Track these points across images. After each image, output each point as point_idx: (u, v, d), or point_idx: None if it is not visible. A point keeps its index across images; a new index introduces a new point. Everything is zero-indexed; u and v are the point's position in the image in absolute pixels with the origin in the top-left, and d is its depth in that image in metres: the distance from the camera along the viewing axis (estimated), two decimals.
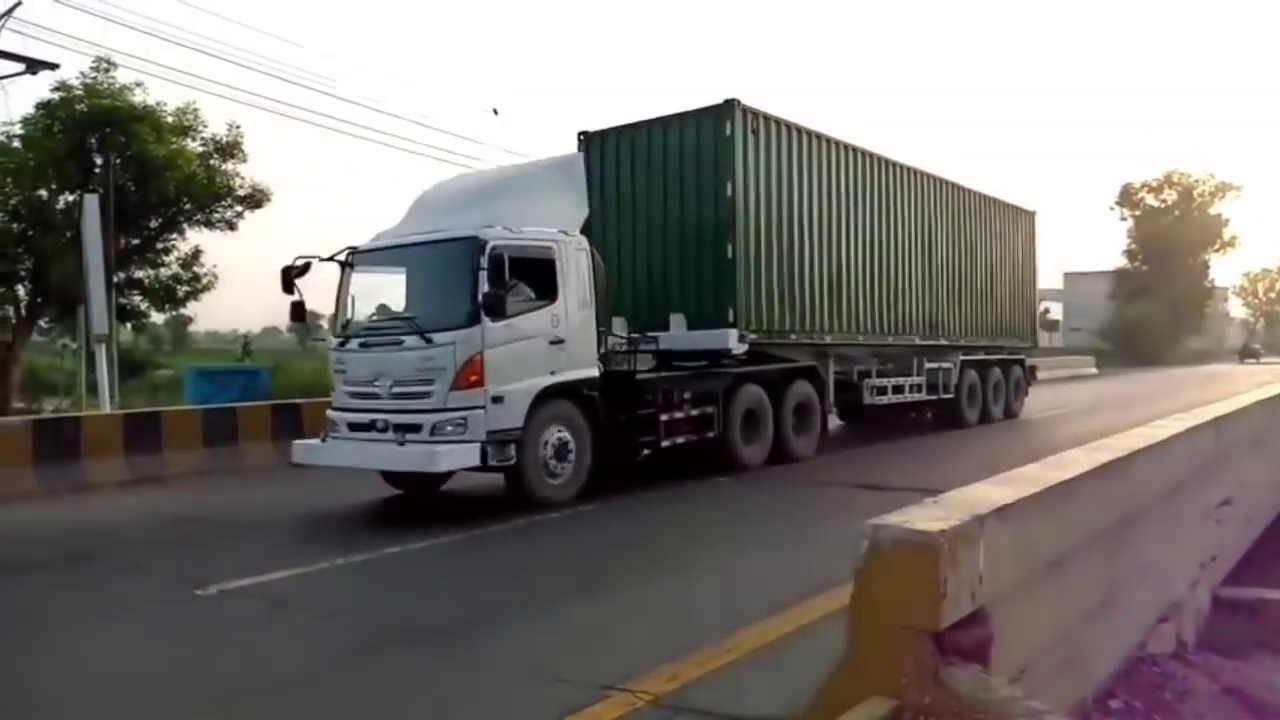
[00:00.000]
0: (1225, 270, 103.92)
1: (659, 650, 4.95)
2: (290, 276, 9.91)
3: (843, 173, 14.01)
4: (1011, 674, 3.03)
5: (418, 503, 10.20)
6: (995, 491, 3.30)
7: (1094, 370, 45.02)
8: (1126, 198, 70.29)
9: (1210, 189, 69.14)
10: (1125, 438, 5.00)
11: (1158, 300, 62.55)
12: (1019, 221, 20.15)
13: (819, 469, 12.37)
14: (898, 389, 15.60)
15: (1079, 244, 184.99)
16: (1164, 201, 70.00)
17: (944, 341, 16.90)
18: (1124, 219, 70.84)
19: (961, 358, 17.27)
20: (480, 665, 5.03)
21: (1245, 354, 65.12)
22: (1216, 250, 69.78)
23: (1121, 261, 70.92)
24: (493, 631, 5.57)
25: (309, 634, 5.71)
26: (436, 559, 7.73)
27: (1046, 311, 65.65)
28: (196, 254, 23.92)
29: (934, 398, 16.57)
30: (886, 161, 15.22)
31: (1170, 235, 66.10)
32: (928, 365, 16.28)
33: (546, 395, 9.43)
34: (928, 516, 2.83)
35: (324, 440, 9.80)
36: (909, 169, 15.84)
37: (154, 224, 23.18)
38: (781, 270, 12.73)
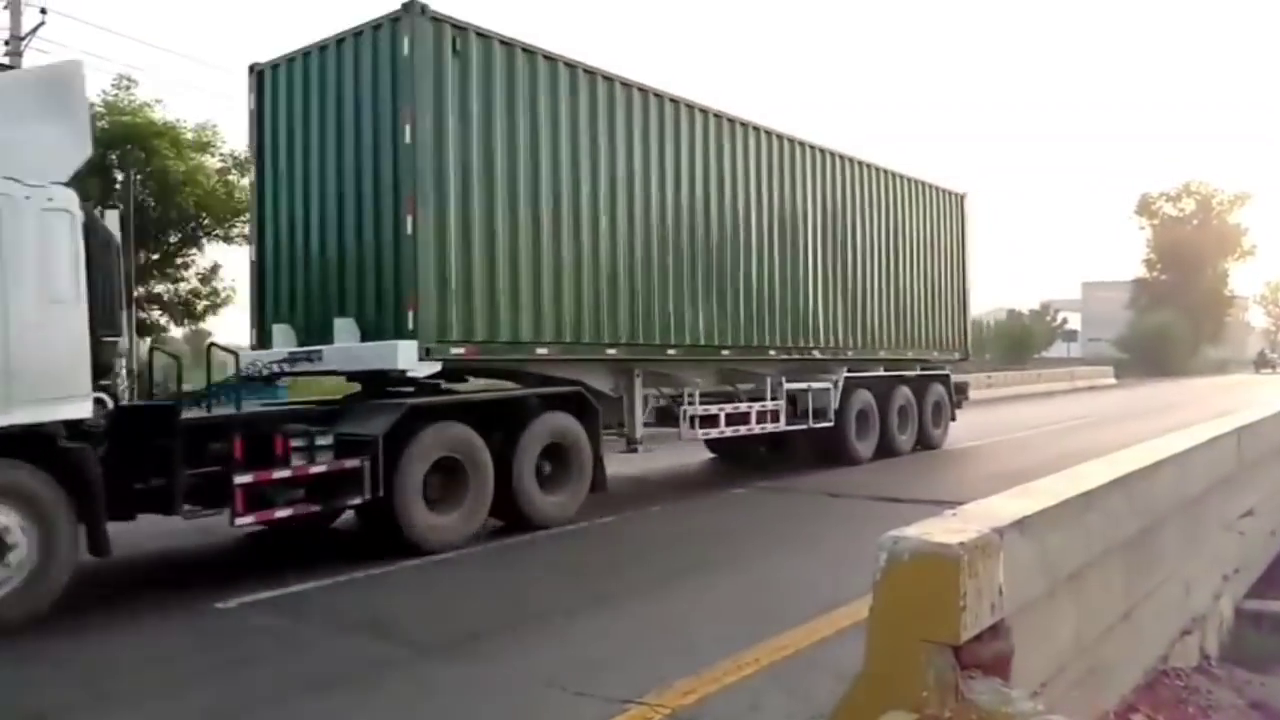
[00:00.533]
0: (1247, 279, 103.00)
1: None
2: None
3: (638, 125, 10.54)
4: (1032, 687, 3.01)
5: None
6: (1014, 504, 3.28)
7: (1112, 380, 44.73)
8: (1144, 207, 70.00)
9: (1229, 199, 68.77)
10: (1146, 448, 4.96)
11: (1177, 309, 62.16)
12: (941, 205, 16.38)
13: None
14: (738, 418, 11.97)
15: (1098, 254, 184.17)
16: (1182, 211, 69.64)
17: (817, 354, 13.35)
18: (1142, 228, 70.61)
19: (846, 375, 13.62)
20: (499, 679, 5.03)
21: (1260, 364, 64.47)
22: (1236, 259, 69.34)
23: (1140, 271, 70.62)
24: (511, 644, 5.58)
25: (327, 647, 5.72)
26: (456, 572, 7.73)
27: (1064, 321, 65.50)
28: (215, 269, 24.34)
29: (802, 427, 12.91)
30: (713, 115, 11.61)
31: (1189, 244, 65.72)
32: (789, 386, 12.71)
33: None
34: (946, 529, 2.81)
35: None
36: (755, 128, 12.30)
37: (173, 239, 23.45)
38: (517, 254, 9.16)
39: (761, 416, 12.25)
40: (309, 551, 8.74)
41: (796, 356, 13.02)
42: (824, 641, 5.32)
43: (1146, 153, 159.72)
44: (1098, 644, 3.84)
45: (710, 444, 13.87)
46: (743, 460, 13.92)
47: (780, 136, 12.75)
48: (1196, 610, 5.20)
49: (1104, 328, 68.69)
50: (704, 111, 11.50)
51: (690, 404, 11.44)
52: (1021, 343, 55.61)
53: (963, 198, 17.08)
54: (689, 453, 12.64)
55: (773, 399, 12.47)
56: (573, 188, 9.81)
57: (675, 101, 11.07)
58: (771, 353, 12.55)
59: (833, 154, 13.77)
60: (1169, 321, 60.77)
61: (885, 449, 14.35)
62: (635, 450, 10.91)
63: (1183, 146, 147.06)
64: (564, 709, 4.56)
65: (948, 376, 16.48)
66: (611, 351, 10.29)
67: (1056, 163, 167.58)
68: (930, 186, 16.13)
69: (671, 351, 11.01)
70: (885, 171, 14.93)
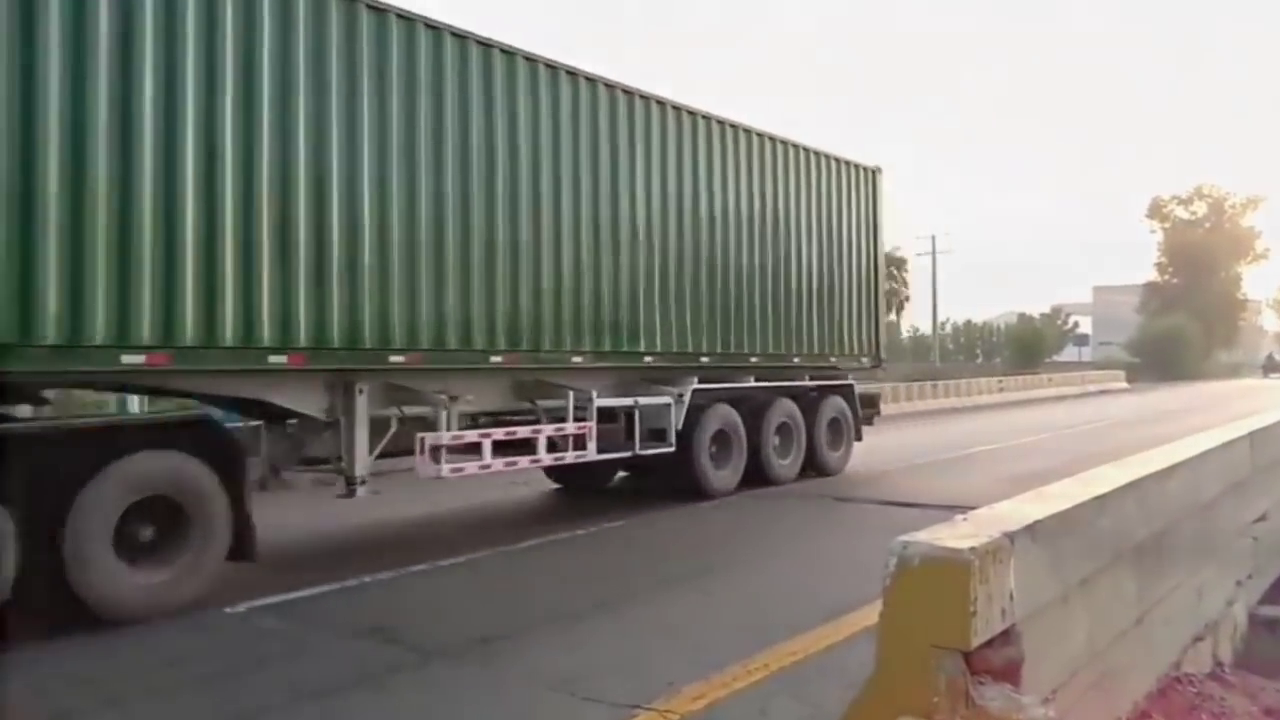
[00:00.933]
0: (1260, 283, 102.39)
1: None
2: None
3: (369, 45, 7.73)
4: (1043, 694, 2.99)
5: (449, 517, 10.22)
6: (1025, 508, 3.26)
7: (1124, 385, 44.56)
8: (1156, 210, 69.79)
9: (1241, 201, 68.56)
10: (1159, 452, 4.93)
11: (1188, 313, 61.94)
12: (846, 182, 13.41)
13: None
14: (516, 446, 9.00)
15: (1109, 258, 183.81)
16: (1194, 214, 69.43)
17: (650, 360, 10.40)
18: (1153, 232, 70.40)
19: (695, 386, 10.79)
20: (507, 683, 5.03)
21: (1269, 368, 64.04)
22: (1248, 262, 69.06)
23: (1152, 275, 70.39)
24: (519, 649, 5.58)
25: (336, 651, 5.73)
26: (463, 577, 7.74)
27: (1075, 325, 65.34)
28: None
29: (626, 454, 10.18)
30: (476, 42, 8.62)
31: (1201, 247, 65.49)
32: (602, 403, 9.78)
33: None
34: (957, 534, 2.79)
35: None
36: (554, 65, 9.35)
37: None
38: (123, 213, 6.24)
39: (558, 443, 9.26)
40: (321, 556, 8.76)
41: (616, 364, 10.13)
42: (833, 647, 5.30)
43: (1159, 155, 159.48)
44: (1110, 650, 3.81)
45: (551, 473, 11.35)
46: (591, 490, 11.58)
47: (595, 80, 9.82)
48: (1209, 616, 5.16)
49: (1115, 331, 68.52)
50: (468, 41, 8.57)
51: (437, 429, 8.37)
52: (1032, 346, 55.55)
53: (875, 173, 14.03)
54: None
55: (578, 420, 9.50)
56: (203, 115, 6.63)
57: (435, 29, 8.35)
58: (576, 360, 9.54)
59: (679, 108, 10.86)
60: (1180, 325, 60.57)
61: (756, 477, 11.54)
62: (353, 494, 8.03)
63: (1195, 148, 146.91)
64: (572, 714, 4.55)
65: (850, 387, 13.49)
66: (279, 359, 7.16)
67: (1068, 165, 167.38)
68: (829, 158, 13.18)
69: (397, 359, 7.98)
70: (761, 136, 12.00)
